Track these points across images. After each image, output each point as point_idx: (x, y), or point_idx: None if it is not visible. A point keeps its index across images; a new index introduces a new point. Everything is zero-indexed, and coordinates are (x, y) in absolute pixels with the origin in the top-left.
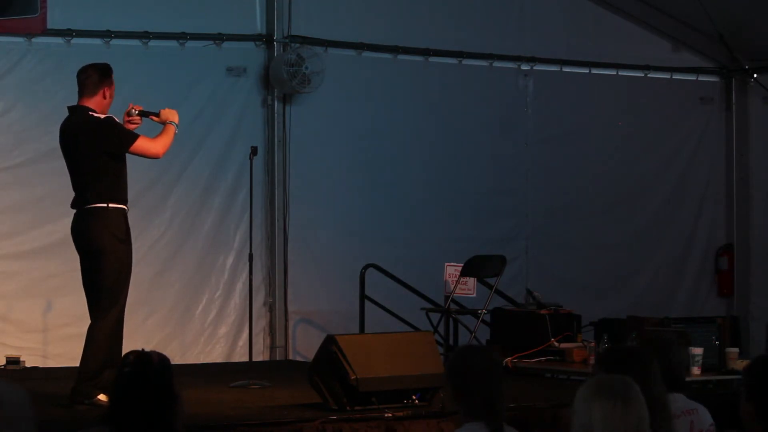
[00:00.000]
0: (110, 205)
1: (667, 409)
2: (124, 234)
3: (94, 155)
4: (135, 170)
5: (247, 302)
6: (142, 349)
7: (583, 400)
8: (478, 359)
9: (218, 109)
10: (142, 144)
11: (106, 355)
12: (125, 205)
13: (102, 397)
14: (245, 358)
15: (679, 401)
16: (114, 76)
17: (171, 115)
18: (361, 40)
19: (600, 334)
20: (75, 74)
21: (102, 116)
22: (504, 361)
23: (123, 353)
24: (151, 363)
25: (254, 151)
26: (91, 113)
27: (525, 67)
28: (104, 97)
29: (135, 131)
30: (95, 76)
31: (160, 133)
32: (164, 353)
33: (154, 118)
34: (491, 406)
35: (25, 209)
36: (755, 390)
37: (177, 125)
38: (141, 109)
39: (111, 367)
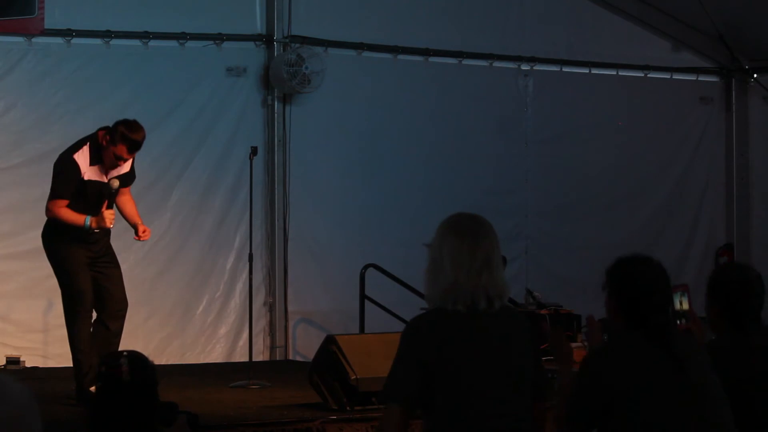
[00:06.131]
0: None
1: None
2: (59, 232)
3: None
4: (136, 170)
5: (247, 302)
6: (122, 352)
7: (436, 237)
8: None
9: (218, 109)
10: (51, 201)
11: (83, 347)
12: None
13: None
14: (245, 358)
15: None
16: (114, 76)
17: (101, 219)
18: (361, 40)
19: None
20: (75, 74)
21: (66, 155)
22: None
23: (122, 352)
24: (122, 379)
25: (254, 151)
26: (76, 143)
27: (525, 67)
28: (102, 142)
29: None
30: (112, 132)
31: (73, 213)
32: (164, 353)
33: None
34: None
35: (25, 209)
36: (616, 287)
37: (89, 227)
38: (117, 185)
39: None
